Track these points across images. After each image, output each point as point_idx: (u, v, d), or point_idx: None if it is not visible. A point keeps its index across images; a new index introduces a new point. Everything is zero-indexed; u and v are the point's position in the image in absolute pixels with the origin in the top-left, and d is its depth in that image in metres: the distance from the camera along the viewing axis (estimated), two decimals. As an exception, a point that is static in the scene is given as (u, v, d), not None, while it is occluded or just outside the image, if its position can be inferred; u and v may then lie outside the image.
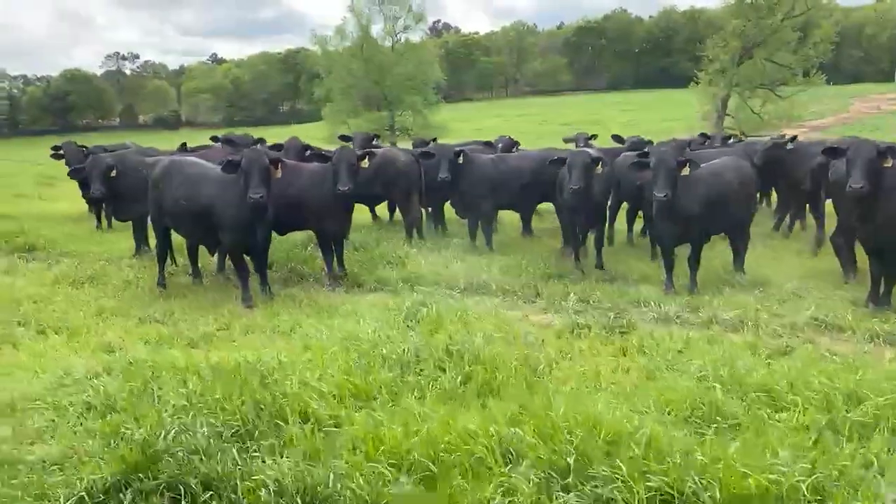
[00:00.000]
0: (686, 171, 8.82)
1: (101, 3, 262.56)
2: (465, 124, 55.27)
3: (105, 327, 7.95)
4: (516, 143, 15.29)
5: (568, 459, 4.09)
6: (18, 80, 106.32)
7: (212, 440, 4.45)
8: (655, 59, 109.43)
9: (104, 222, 15.29)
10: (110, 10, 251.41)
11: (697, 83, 39.07)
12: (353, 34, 50.39)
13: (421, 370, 5.94)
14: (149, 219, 11.94)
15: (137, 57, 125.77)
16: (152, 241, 11.93)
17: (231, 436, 4.61)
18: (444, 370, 5.96)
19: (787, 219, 13.70)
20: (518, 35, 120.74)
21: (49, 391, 5.68)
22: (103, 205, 15.23)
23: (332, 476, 4.04)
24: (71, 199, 19.51)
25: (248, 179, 8.50)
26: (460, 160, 11.82)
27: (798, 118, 37.97)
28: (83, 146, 15.41)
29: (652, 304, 8.61)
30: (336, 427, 4.86)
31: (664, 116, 51.68)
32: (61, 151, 15.02)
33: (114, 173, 11.30)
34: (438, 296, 8.70)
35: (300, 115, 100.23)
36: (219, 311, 8.67)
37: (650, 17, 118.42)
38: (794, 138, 13.61)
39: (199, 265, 10.46)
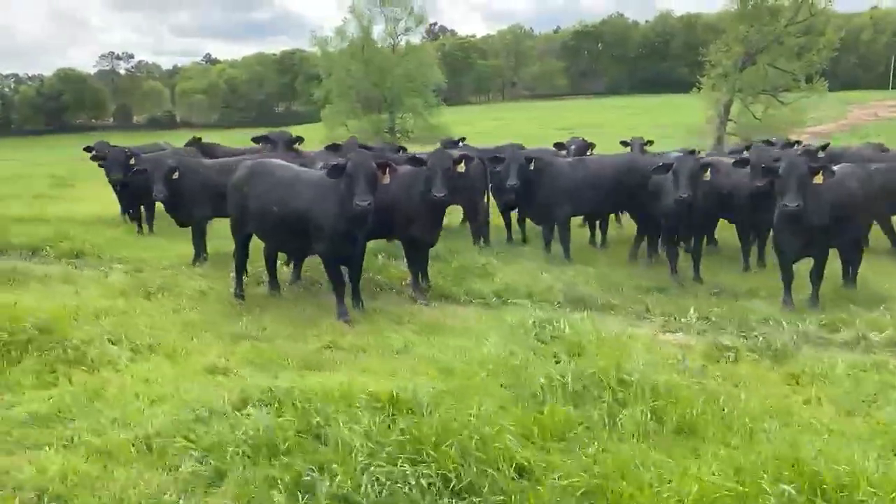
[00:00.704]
0: (819, 178, 8.21)
1: (96, 4, 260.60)
2: (466, 127, 54.50)
3: (200, 345, 7.23)
4: (591, 146, 14.60)
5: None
6: (9, 80, 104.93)
7: (436, 498, 3.77)
8: (652, 63, 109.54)
9: (145, 227, 14.46)
10: (104, 12, 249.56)
11: (700, 88, 38.85)
12: (354, 35, 49.88)
13: (601, 403, 5.26)
14: (207, 222, 11.44)
15: (132, 56, 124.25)
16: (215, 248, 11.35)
17: (448, 489, 3.92)
18: (621, 403, 5.31)
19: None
20: (515, 38, 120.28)
21: (186, 425, 4.99)
22: (142, 207, 14.51)
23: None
24: (93, 200, 18.69)
25: (353, 185, 7.79)
26: (532, 166, 11.16)
27: (801, 124, 37.81)
28: (124, 148, 14.57)
29: (784, 323, 7.98)
30: (551, 478, 4.18)
31: (666, 121, 50.99)
32: (102, 153, 14.21)
33: (176, 175, 10.63)
34: (553, 312, 8.04)
35: (296, 117, 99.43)
36: (316, 326, 7.97)
37: (646, 21, 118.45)
38: (825, 146, 13.14)
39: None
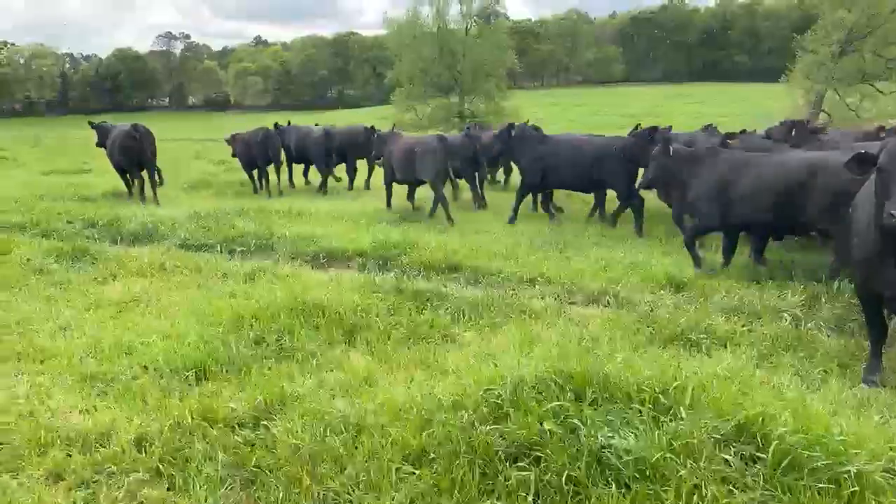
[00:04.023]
0: None
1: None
2: (526, 112, 52.19)
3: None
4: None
5: None
6: (65, 59, 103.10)
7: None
8: (709, 51, 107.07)
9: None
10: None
11: (787, 78, 37.03)
12: (428, 17, 48.23)
13: None
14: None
15: (188, 37, 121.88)
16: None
17: None
18: None
19: None
20: (572, 23, 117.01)
21: None
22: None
23: None
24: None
25: (888, 185, 4.81)
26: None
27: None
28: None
29: None
30: None
31: (737, 111, 47.34)
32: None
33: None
34: None
35: (347, 101, 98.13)
36: None
37: (706, 7, 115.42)
38: None
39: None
